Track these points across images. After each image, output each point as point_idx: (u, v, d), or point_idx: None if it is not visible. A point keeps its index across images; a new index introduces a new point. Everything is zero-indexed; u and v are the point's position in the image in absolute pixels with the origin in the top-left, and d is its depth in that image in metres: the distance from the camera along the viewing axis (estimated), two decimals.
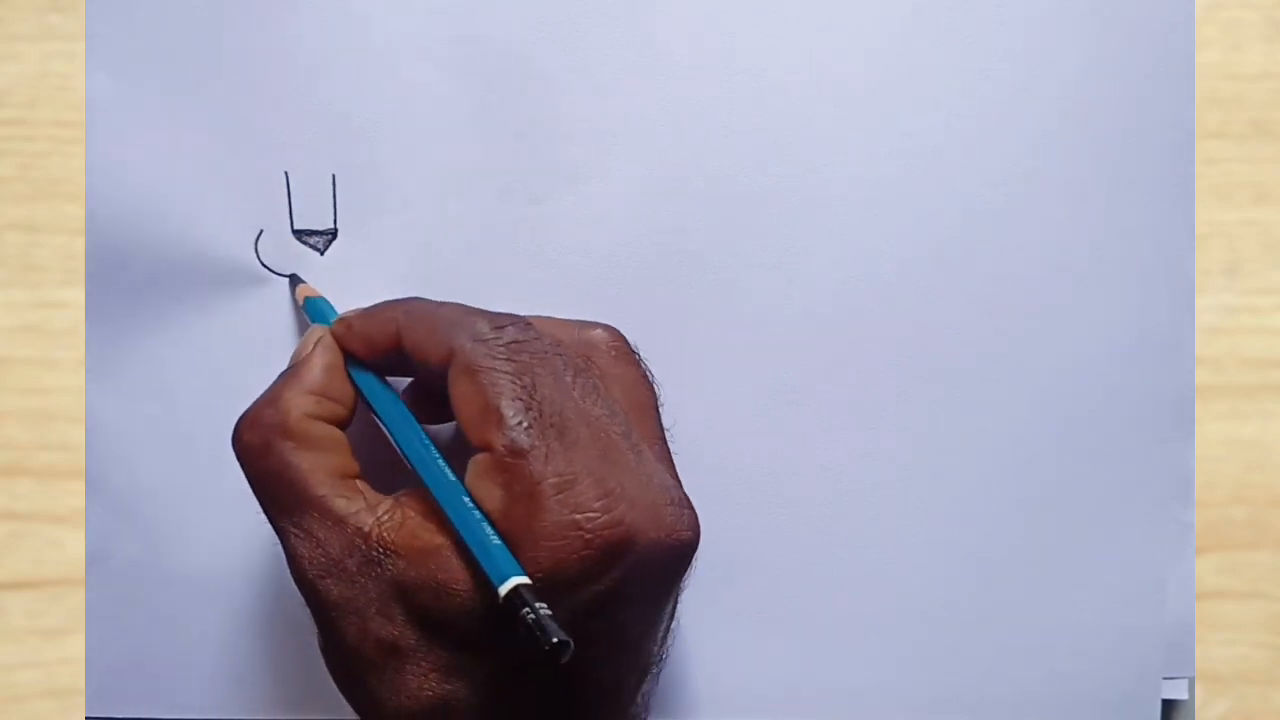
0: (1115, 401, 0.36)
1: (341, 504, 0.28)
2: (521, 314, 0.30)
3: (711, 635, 0.37)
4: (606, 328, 0.31)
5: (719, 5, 0.35)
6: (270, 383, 0.31)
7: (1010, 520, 0.36)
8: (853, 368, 0.36)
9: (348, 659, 0.28)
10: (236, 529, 0.36)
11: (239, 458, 0.29)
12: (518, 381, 0.27)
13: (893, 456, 0.36)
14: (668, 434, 0.31)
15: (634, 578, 0.27)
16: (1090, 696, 0.37)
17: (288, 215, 0.36)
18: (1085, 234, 0.36)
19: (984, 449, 0.36)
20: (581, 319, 0.32)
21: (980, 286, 0.36)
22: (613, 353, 0.31)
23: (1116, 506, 0.36)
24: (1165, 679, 0.37)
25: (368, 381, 0.31)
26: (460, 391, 0.27)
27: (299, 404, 0.29)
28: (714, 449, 0.36)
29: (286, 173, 0.36)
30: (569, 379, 0.28)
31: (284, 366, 0.34)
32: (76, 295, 0.34)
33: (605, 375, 0.30)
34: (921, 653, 0.37)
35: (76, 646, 0.33)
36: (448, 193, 0.36)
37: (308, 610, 0.29)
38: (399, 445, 0.30)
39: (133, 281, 0.36)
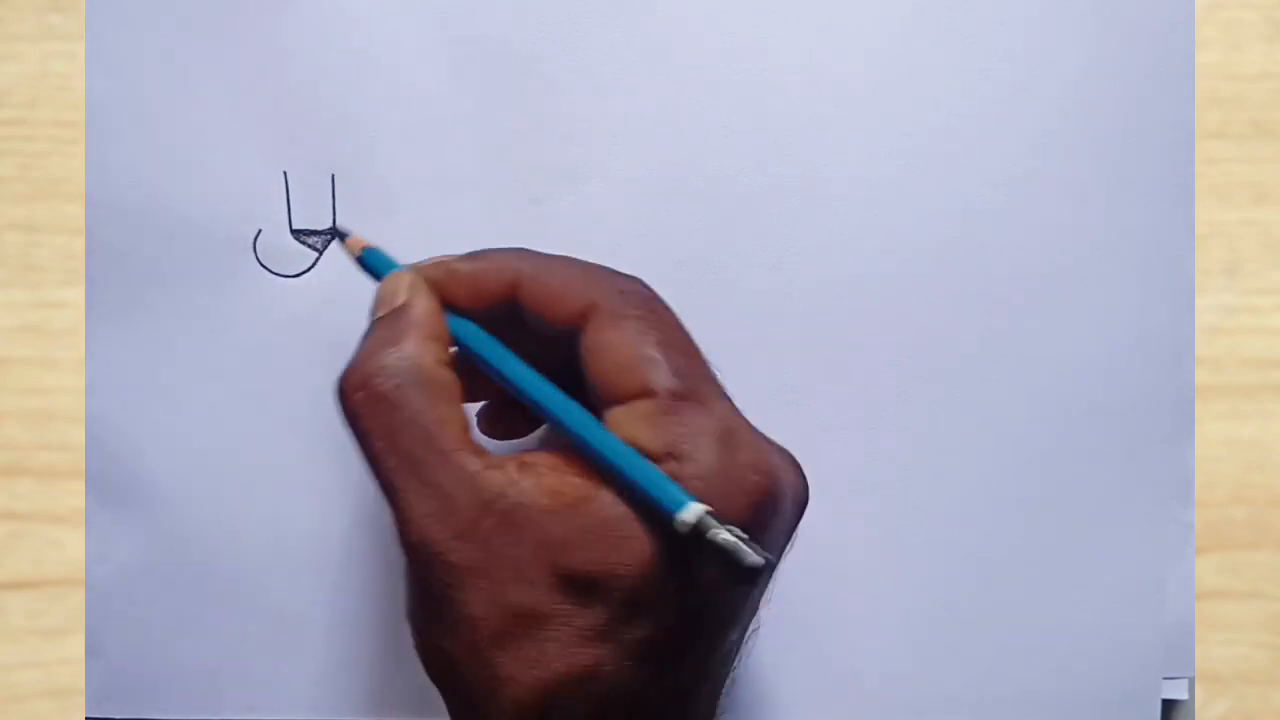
0: (1115, 401, 0.36)
1: (475, 461, 0.26)
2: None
3: None
4: (641, 281, 0.30)
5: (719, 5, 0.35)
6: (362, 335, 0.28)
7: (1010, 520, 0.36)
8: (853, 368, 0.36)
9: (467, 631, 0.25)
10: (237, 529, 0.36)
11: (355, 409, 0.27)
12: (663, 331, 0.27)
13: (893, 456, 0.36)
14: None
15: (777, 528, 0.27)
16: (1090, 696, 0.37)
17: (286, 215, 0.36)
18: (1085, 234, 0.36)
19: (984, 449, 0.36)
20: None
21: (980, 286, 0.36)
22: (664, 307, 0.30)
23: (1116, 506, 0.36)
24: (1165, 679, 0.37)
25: (471, 332, 0.29)
26: (607, 341, 0.27)
27: (429, 349, 0.27)
28: None
29: (285, 173, 0.36)
30: (686, 335, 0.28)
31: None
32: (76, 295, 0.34)
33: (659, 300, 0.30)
34: (921, 653, 0.37)
35: (76, 646, 0.33)
36: (448, 193, 0.36)
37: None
38: (527, 395, 0.28)
39: (133, 281, 0.36)
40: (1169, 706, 0.37)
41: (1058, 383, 0.36)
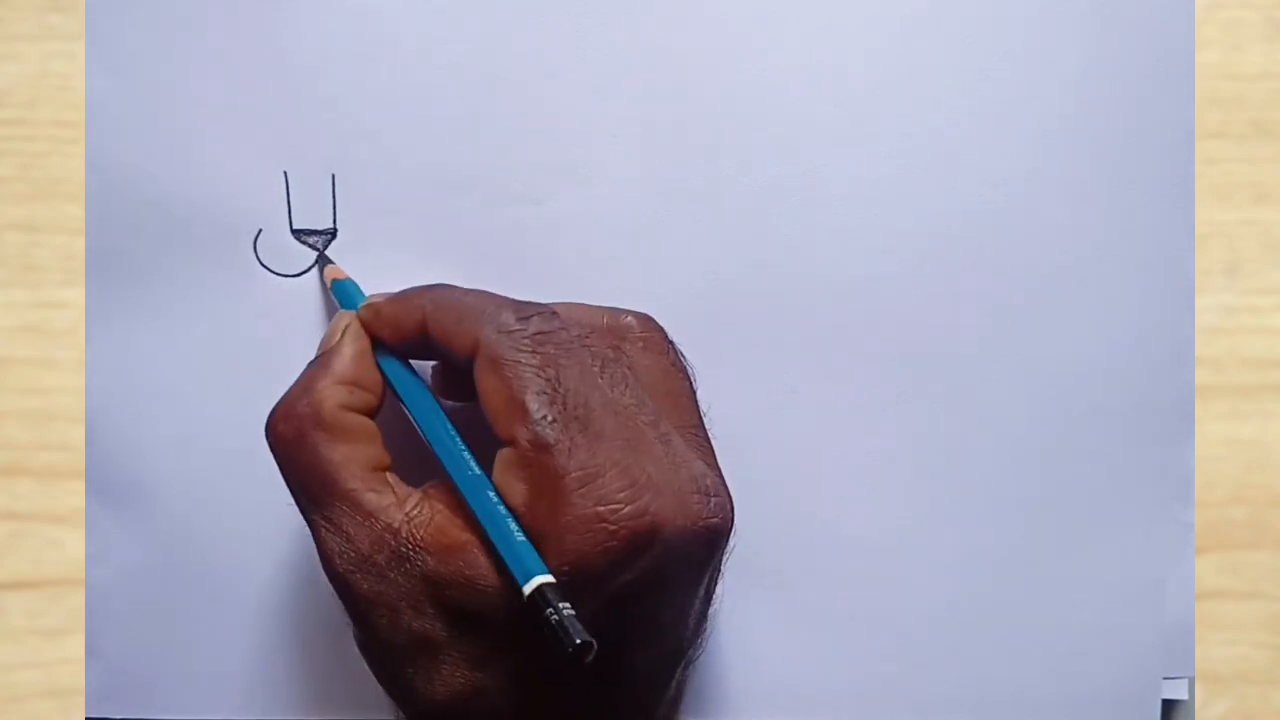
0: (1115, 401, 0.36)
1: (372, 499, 0.28)
2: (549, 302, 0.30)
3: (710, 633, 0.37)
4: (638, 315, 0.31)
5: (719, 5, 0.35)
6: (299, 372, 0.30)
7: (1010, 520, 0.36)
8: (853, 367, 0.36)
9: (382, 651, 0.28)
10: (237, 529, 0.36)
11: (272, 449, 0.29)
12: (542, 374, 0.27)
13: (892, 456, 0.36)
14: (705, 419, 0.31)
15: (662, 566, 0.27)
16: (1090, 696, 0.37)
17: (287, 215, 0.36)
18: (1085, 234, 0.36)
19: (984, 449, 0.36)
20: (615, 308, 0.32)
21: (980, 286, 0.36)
22: (642, 341, 0.31)
23: (1116, 506, 0.36)
24: (1165, 679, 0.37)
25: (395, 369, 0.31)
26: (486, 384, 0.27)
27: (332, 394, 0.29)
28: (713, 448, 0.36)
29: (286, 172, 0.36)
30: (596, 369, 0.28)
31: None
32: (76, 295, 0.34)
33: (635, 363, 0.30)
34: (922, 653, 0.37)
35: (76, 646, 0.33)
36: (448, 193, 0.36)
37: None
38: (426, 437, 0.30)
39: (133, 281, 0.36)
40: (1169, 706, 0.37)
41: (1058, 383, 0.36)
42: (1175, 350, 0.36)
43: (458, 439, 0.29)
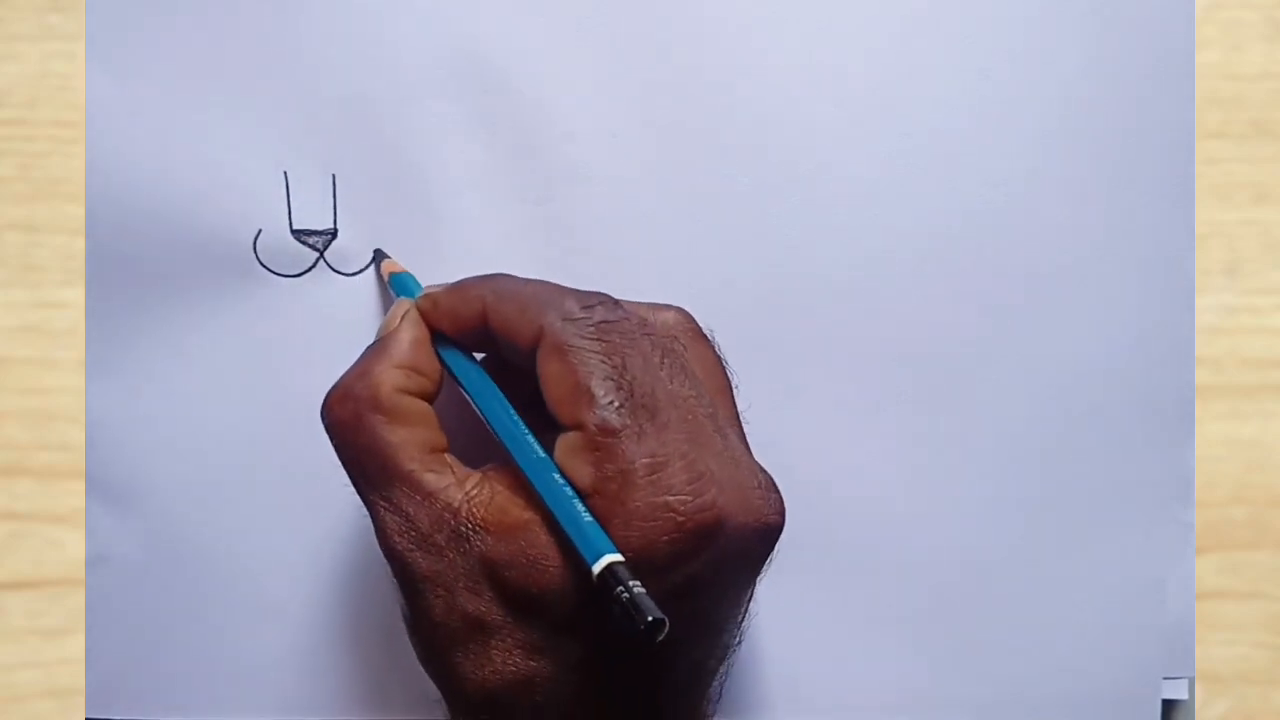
0: (1115, 401, 0.36)
1: (431, 479, 0.28)
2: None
3: None
4: (678, 310, 0.31)
5: (720, 5, 0.35)
6: (356, 357, 0.31)
7: (1010, 520, 0.36)
8: (853, 367, 0.36)
9: (433, 632, 0.28)
10: (237, 529, 0.36)
11: (329, 431, 0.29)
12: (608, 361, 0.27)
13: (892, 456, 0.36)
14: (742, 417, 0.31)
15: (721, 561, 0.27)
16: (1090, 696, 0.37)
17: (287, 215, 0.36)
18: (1085, 234, 0.36)
19: (984, 449, 0.36)
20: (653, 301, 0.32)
21: (980, 286, 0.36)
22: (689, 334, 0.31)
23: (1116, 506, 0.36)
24: (1165, 679, 0.37)
25: (454, 357, 0.31)
26: (550, 371, 0.27)
27: (389, 378, 0.29)
28: None
29: (286, 172, 0.36)
30: (657, 359, 0.28)
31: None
32: (76, 295, 0.34)
33: (685, 353, 0.30)
34: (921, 652, 0.37)
35: (76, 646, 0.33)
36: (448, 193, 0.36)
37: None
38: (487, 420, 0.29)
39: (133, 281, 0.36)
40: (1169, 706, 0.37)
41: (1058, 383, 0.36)
42: (1175, 350, 0.36)
43: (520, 423, 0.29)
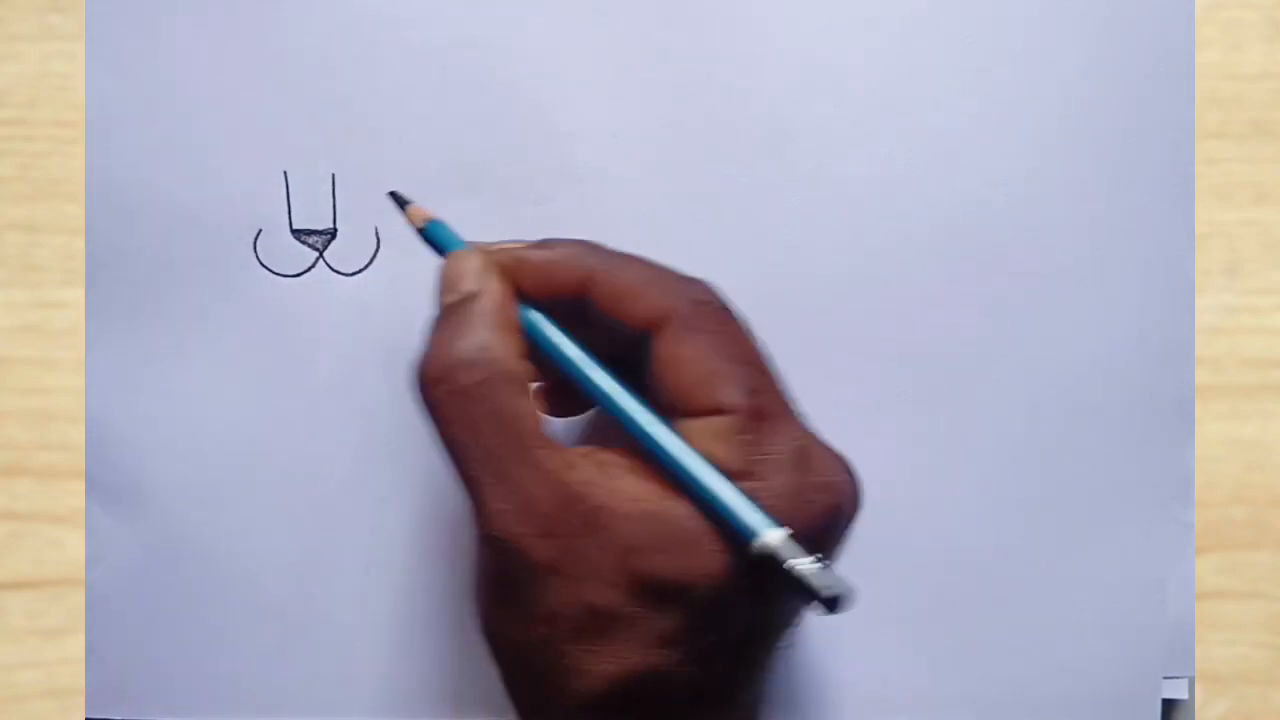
0: (1115, 401, 0.36)
1: (554, 458, 0.26)
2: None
3: None
4: (702, 281, 0.29)
5: (719, 5, 0.35)
6: (437, 311, 0.28)
7: (1010, 520, 0.36)
8: (853, 367, 0.36)
9: (543, 624, 0.26)
10: (237, 529, 0.36)
11: (438, 401, 0.26)
12: (740, 347, 0.27)
13: (892, 456, 0.36)
14: None
15: (841, 540, 0.28)
16: (1090, 696, 0.37)
17: (286, 215, 0.36)
18: (1085, 234, 0.36)
19: (984, 449, 0.36)
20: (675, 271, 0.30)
21: (980, 286, 0.36)
22: (723, 298, 0.30)
23: (1116, 506, 0.36)
24: (1165, 679, 0.37)
25: (542, 325, 0.28)
26: (683, 354, 0.27)
27: (507, 342, 0.27)
28: None
29: (286, 172, 0.36)
30: (746, 334, 0.28)
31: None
32: (76, 295, 0.34)
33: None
34: (921, 652, 0.37)
35: (76, 646, 0.33)
36: (448, 192, 0.36)
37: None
38: (602, 399, 0.27)
39: (133, 281, 0.36)
40: (1169, 706, 0.37)
41: (1058, 383, 0.36)
42: (1175, 350, 0.36)
43: (638, 400, 0.27)
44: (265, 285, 0.36)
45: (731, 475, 0.26)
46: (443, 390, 0.26)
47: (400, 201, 0.31)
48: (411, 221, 0.31)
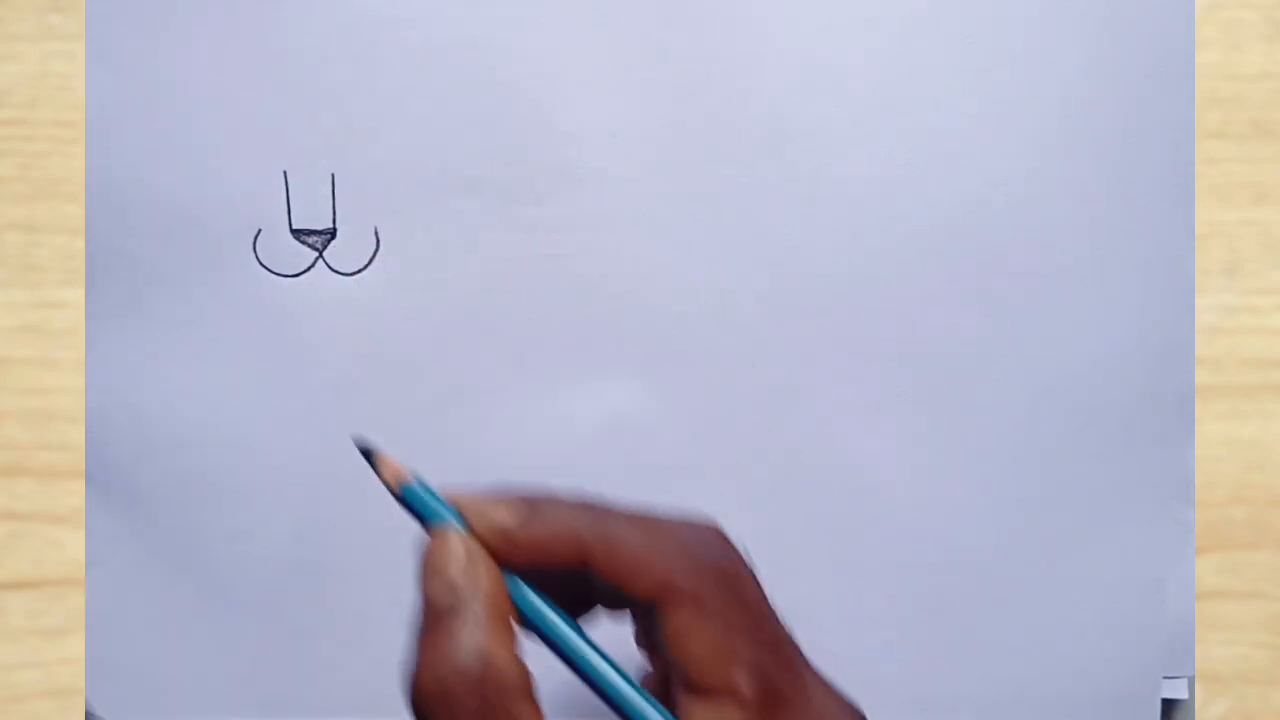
0: (1115, 401, 0.36)
1: None
2: (640, 510, 0.27)
3: None
4: (713, 528, 0.28)
5: (719, 5, 0.35)
6: (426, 609, 0.26)
7: (1011, 520, 0.36)
8: (853, 367, 0.36)
9: None
10: (236, 529, 0.36)
11: (431, 712, 0.25)
12: (752, 617, 0.25)
13: (892, 456, 0.36)
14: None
15: None
16: (1090, 696, 0.37)
17: (286, 215, 0.36)
18: (1085, 234, 0.36)
19: (984, 449, 0.36)
20: (684, 514, 0.28)
21: (980, 286, 0.36)
22: (734, 554, 0.28)
23: (1116, 506, 0.36)
24: (1165, 679, 0.37)
25: (539, 611, 0.26)
26: (690, 629, 0.25)
27: (502, 643, 0.25)
28: (714, 448, 0.36)
29: (285, 172, 0.36)
30: (761, 597, 0.27)
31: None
32: (76, 295, 0.34)
33: (739, 562, 0.28)
34: (921, 652, 0.37)
35: (76, 646, 0.33)
36: (448, 193, 0.36)
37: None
38: (604, 691, 0.26)
39: (133, 281, 0.36)
40: (1169, 706, 0.37)
41: (1058, 383, 0.36)
42: (1175, 350, 0.36)
43: (642, 690, 0.26)
44: (265, 285, 0.36)
45: None
46: (442, 708, 0.25)
47: (367, 452, 0.28)
48: (385, 481, 0.28)
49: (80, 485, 0.34)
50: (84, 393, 0.34)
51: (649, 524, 0.26)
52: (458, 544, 0.26)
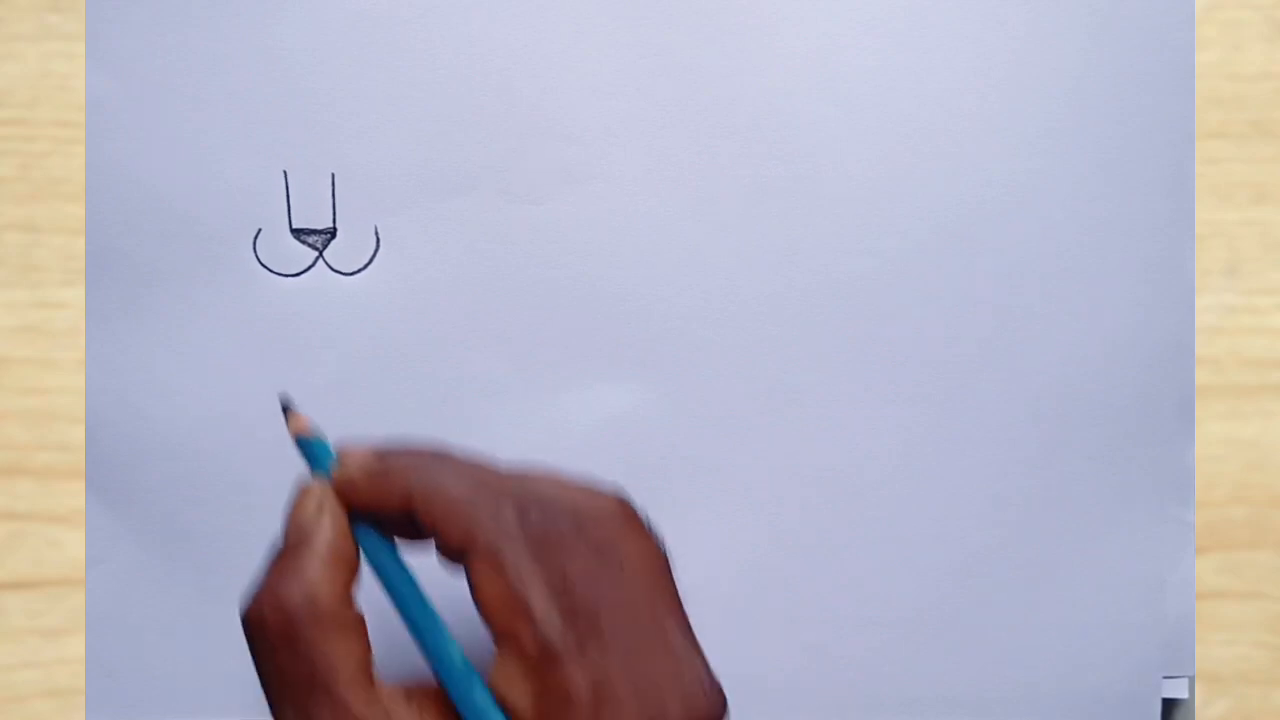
0: (1115, 401, 0.36)
1: (361, 709, 0.26)
2: (531, 464, 0.28)
3: (709, 634, 0.37)
4: (614, 498, 0.29)
5: (719, 5, 0.35)
6: (275, 548, 0.28)
7: (1011, 520, 0.36)
8: (853, 368, 0.36)
9: None
10: (236, 529, 0.36)
11: (252, 638, 0.27)
12: (546, 577, 0.26)
13: (892, 456, 0.36)
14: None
15: None
16: (1090, 696, 0.37)
17: (286, 215, 0.36)
18: (1085, 234, 0.36)
19: (984, 449, 0.36)
20: (590, 485, 0.29)
21: (980, 286, 0.36)
22: (625, 523, 0.29)
23: (1116, 506, 0.36)
24: (1165, 679, 0.37)
25: (375, 548, 0.28)
26: (484, 583, 0.26)
27: (326, 582, 0.27)
28: (714, 448, 0.36)
29: (285, 172, 0.36)
30: (595, 564, 0.27)
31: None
32: (76, 295, 0.34)
33: (625, 550, 0.28)
34: (921, 652, 0.37)
35: (76, 646, 0.33)
36: (448, 193, 0.36)
37: None
38: (413, 631, 0.28)
39: (132, 281, 0.36)
40: (1169, 706, 0.37)
41: (1058, 382, 0.36)
42: (1175, 350, 0.36)
43: (449, 639, 0.27)
44: (265, 285, 0.36)
45: (519, 718, 0.25)
46: (253, 629, 0.27)
47: (285, 406, 0.31)
48: (289, 428, 0.31)
49: (80, 485, 0.34)
50: (84, 393, 0.34)
51: (474, 474, 0.28)
52: (314, 492, 0.29)
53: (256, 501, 0.36)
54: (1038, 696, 0.37)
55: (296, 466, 0.36)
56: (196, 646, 0.36)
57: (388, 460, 0.28)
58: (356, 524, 0.28)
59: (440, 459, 0.29)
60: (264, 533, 0.36)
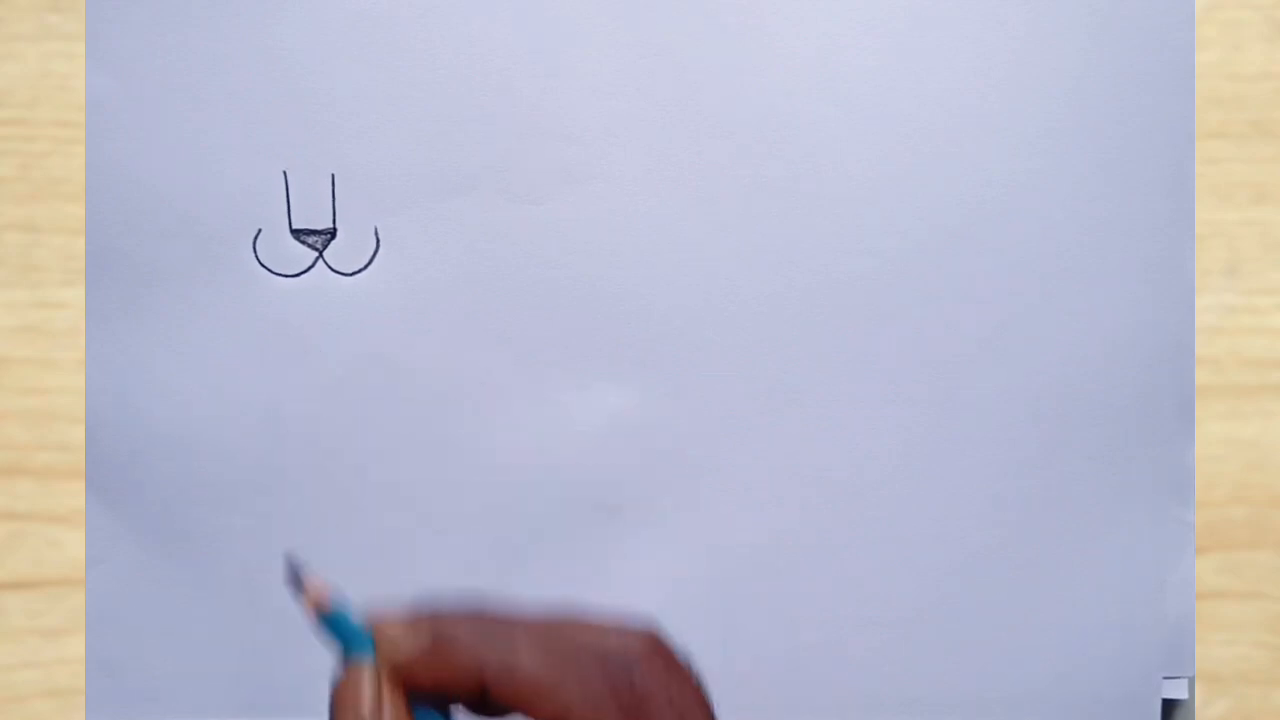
0: (1115, 401, 0.36)
1: None
2: (560, 609, 0.28)
3: (709, 634, 0.37)
4: (647, 635, 0.28)
5: (718, 5, 0.35)
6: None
7: (1010, 520, 0.36)
8: (853, 368, 0.36)
9: None
10: (236, 529, 0.36)
11: None
12: None
13: (892, 456, 0.36)
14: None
15: None
16: (1090, 696, 0.37)
17: (286, 215, 0.36)
18: (1085, 234, 0.36)
19: (984, 449, 0.36)
20: (620, 624, 0.28)
21: (980, 286, 0.36)
22: (661, 661, 0.28)
23: (1116, 506, 0.36)
24: (1165, 679, 0.37)
25: None
26: None
27: None
28: (714, 448, 0.36)
29: (285, 172, 0.36)
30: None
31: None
32: (76, 295, 0.34)
33: (660, 685, 0.28)
34: (921, 652, 0.37)
35: (76, 646, 0.33)
36: (448, 193, 0.36)
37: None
38: None
39: (132, 281, 0.36)
40: (1169, 706, 0.37)
41: (1058, 382, 0.36)
42: (1175, 350, 0.36)
43: None
44: (265, 285, 0.36)
45: None
46: None
47: (294, 572, 0.29)
48: (306, 607, 0.29)
49: (80, 485, 0.34)
50: (84, 393, 0.34)
51: (557, 644, 0.27)
52: (367, 681, 0.27)
53: (257, 502, 0.36)
54: (1038, 696, 0.37)
55: (297, 466, 0.36)
56: (196, 646, 0.36)
57: (437, 632, 0.27)
58: (416, 706, 0.27)
59: (489, 624, 0.27)
60: (264, 532, 0.36)
